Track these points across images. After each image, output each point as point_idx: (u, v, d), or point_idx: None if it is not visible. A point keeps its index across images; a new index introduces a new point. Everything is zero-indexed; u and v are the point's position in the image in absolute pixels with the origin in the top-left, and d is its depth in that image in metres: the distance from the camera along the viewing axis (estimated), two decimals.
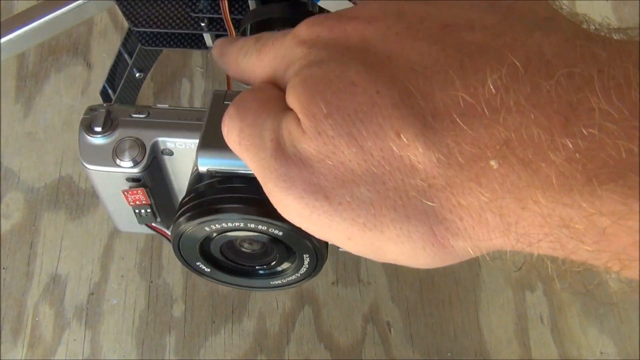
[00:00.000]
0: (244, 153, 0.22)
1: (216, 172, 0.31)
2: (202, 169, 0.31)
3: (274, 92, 0.23)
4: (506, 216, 0.16)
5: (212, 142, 0.31)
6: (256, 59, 0.23)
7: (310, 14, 0.41)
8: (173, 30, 0.44)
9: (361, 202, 0.18)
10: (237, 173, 0.31)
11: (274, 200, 0.21)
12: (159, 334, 0.53)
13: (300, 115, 0.19)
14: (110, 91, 0.60)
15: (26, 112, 0.65)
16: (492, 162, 0.16)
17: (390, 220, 0.18)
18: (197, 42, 0.47)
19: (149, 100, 0.66)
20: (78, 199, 0.61)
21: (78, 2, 0.46)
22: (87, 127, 0.34)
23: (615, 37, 0.17)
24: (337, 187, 0.18)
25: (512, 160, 0.15)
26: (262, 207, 0.29)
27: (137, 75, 0.55)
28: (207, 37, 0.46)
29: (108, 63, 0.64)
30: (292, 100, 0.20)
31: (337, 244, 0.20)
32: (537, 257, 0.17)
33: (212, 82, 0.67)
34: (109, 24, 0.70)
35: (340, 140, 0.18)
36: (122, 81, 0.56)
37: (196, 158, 0.31)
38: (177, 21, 0.44)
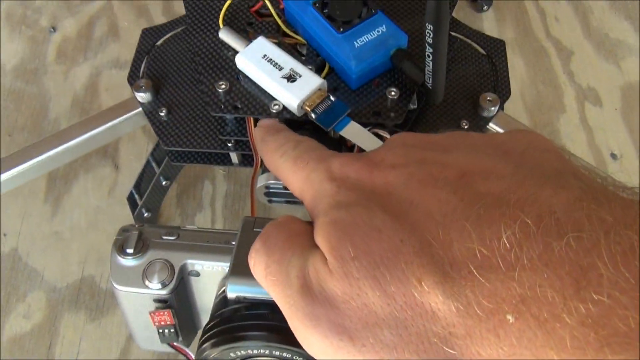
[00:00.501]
0: (270, 287, 0.23)
1: (245, 298, 0.32)
2: (232, 295, 0.32)
3: (299, 226, 0.24)
4: None
5: (242, 269, 0.32)
6: (290, 169, 0.25)
7: (332, 141, 0.43)
8: (201, 150, 0.47)
9: (384, 346, 0.19)
10: (264, 300, 0.32)
11: (299, 336, 0.22)
12: None
13: (328, 256, 0.20)
14: (137, 196, 0.62)
15: (54, 211, 0.68)
16: (509, 317, 0.16)
17: None
18: (224, 160, 0.49)
19: (171, 201, 0.68)
20: (98, 299, 0.62)
21: (113, 121, 0.49)
22: (120, 248, 0.36)
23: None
24: (361, 329, 0.19)
25: (528, 317, 0.16)
26: (287, 335, 0.30)
27: (164, 183, 0.57)
28: (233, 156, 0.49)
29: (135, 165, 0.67)
30: (320, 239, 0.21)
31: None
32: None
33: (234, 185, 0.69)
34: (137, 129, 0.73)
35: (366, 283, 0.19)
36: (149, 188, 0.58)
37: (226, 285, 0.32)
38: (206, 142, 0.46)
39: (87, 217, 0.67)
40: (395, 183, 0.20)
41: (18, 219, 0.67)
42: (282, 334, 0.31)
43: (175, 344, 0.40)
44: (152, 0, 0.86)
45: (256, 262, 0.23)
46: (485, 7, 0.83)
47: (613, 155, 0.70)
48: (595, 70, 0.78)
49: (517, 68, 0.78)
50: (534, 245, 0.16)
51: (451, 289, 0.17)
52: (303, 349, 0.30)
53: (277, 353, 0.31)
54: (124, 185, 0.68)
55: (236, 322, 0.31)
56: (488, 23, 0.83)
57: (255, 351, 0.31)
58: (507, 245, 0.17)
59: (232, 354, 0.32)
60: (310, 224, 0.24)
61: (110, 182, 0.70)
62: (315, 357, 0.21)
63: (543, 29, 0.82)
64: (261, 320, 0.31)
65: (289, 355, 0.32)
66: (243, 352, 0.31)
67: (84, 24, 0.84)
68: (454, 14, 0.83)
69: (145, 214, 0.61)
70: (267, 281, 0.23)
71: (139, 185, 0.62)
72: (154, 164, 0.59)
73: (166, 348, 0.40)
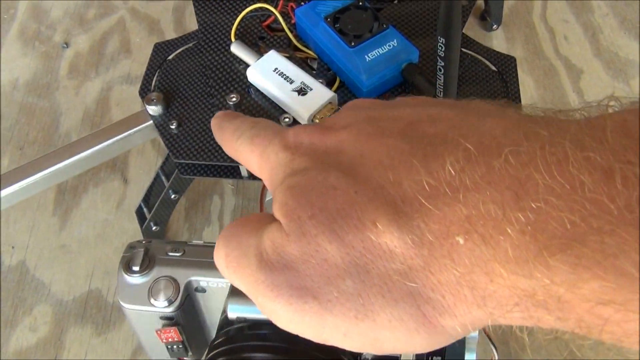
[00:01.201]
0: (232, 276, 0.22)
1: (245, 319, 0.32)
2: (232, 315, 0.32)
3: (256, 215, 0.24)
4: (479, 289, 0.17)
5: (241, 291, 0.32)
6: (247, 148, 0.24)
7: None
8: (211, 163, 0.47)
9: (349, 295, 0.19)
10: (265, 320, 0.31)
11: (265, 312, 0.21)
12: None
13: (284, 221, 0.20)
14: (145, 210, 0.62)
15: (62, 224, 0.68)
16: (459, 238, 0.17)
17: (380, 307, 0.18)
18: (233, 173, 0.49)
19: (180, 215, 0.68)
20: (105, 313, 0.61)
21: (124, 134, 0.49)
22: (126, 266, 0.35)
23: (561, 117, 0.19)
24: (324, 285, 0.19)
25: (475, 235, 0.17)
26: (292, 356, 0.30)
27: (173, 196, 0.57)
28: (242, 169, 0.49)
29: (144, 179, 0.67)
30: (277, 207, 0.21)
31: (336, 344, 0.20)
32: (513, 328, 0.18)
33: (242, 200, 0.69)
34: (147, 143, 0.74)
35: (324, 237, 0.19)
36: (158, 202, 0.58)
37: (226, 304, 0.32)
38: (216, 155, 0.46)
39: (95, 230, 0.67)
40: (346, 140, 0.21)
41: (26, 231, 0.67)
42: (289, 355, 0.30)
43: (185, 359, 0.40)
44: (164, 16, 0.87)
45: (217, 256, 0.23)
46: (495, 26, 0.83)
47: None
48: (604, 88, 0.77)
49: (526, 86, 0.78)
50: (475, 167, 0.17)
51: (405, 224, 0.18)
52: None
53: None
54: (132, 199, 0.68)
55: (239, 342, 0.31)
56: (497, 42, 0.83)
57: None
58: (452, 171, 0.17)
59: None
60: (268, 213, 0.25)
61: (119, 195, 0.70)
62: (288, 329, 0.21)
63: (552, 48, 0.82)
64: (263, 341, 0.31)
65: None
66: None
67: (96, 40, 0.85)
68: (464, 32, 0.83)
69: (154, 228, 0.61)
70: (228, 270, 0.23)
71: (147, 199, 0.62)
72: (163, 178, 0.59)
73: None
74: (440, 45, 0.34)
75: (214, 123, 0.28)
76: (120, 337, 0.60)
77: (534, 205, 0.16)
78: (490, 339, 0.35)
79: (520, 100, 0.49)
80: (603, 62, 0.80)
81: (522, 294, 0.16)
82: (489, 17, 0.83)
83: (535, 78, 0.79)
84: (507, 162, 0.16)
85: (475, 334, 0.33)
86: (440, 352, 0.32)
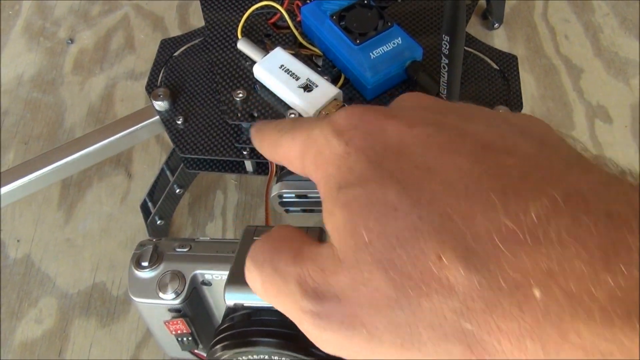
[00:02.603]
0: (272, 301, 0.22)
1: (243, 306, 0.33)
2: (230, 302, 0.33)
3: (285, 232, 0.23)
4: (547, 345, 0.16)
5: (239, 277, 0.33)
6: (290, 137, 0.23)
7: None
8: (217, 158, 0.47)
9: (398, 325, 0.18)
10: (264, 307, 0.32)
11: (312, 337, 0.21)
12: None
13: (339, 245, 0.19)
14: (150, 204, 0.63)
15: (67, 219, 0.68)
16: (535, 291, 0.16)
17: (428, 339, 0.17)
18: (238, 168, 0.50)
19: (183, 210, 0.69)
20: (109, 306, 0.62)
21: (130, 129, 0.50)
22: (137, 262, 0.37)
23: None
24: (374, 314, 0.18)
25: (556, 290, 0.16)
26: (298, 342, 0.31)
27: (177, 191, 0.58)
28: (248, 164, 0.49)
29: (147, 174, 0.68)
30: (333, 227, 0.19)
31: None
32: None
33: (245, 195, 0.70)
34: (151, 138, 0.74)
35: (379, 266, 0.18)
36: (163, 196, 0.59)
37: (224, 292, 0.33)
38: (222, 149, 0.47)
39: (99, 224, 0.68)
40: (411, 143, 0.19)
41: (32, 225, 0.68)
42: (292, 341, 0.31)
43: (196, 351, 0.41)
44: (168, 13, 0.88)
45: (250, 281, 0.23)
46: (496, 24, 0.84)
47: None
48: (605, 88, 0.78)
49: (527, 85, 0.79)
50: (562, 219, 0.16)
51: (474, 264, 0.17)
52: (306, 355, 0.30)
53: (276, 358, 0.31)
54: (136, 194, 0.69)
55: (247, 327, 0.32)
56: (499, 40, 0.83)
57: (265, 357, 0.32)
58: (535, 219, 0.16)
59: (242, 358, 0.32)
60: (299, 229, 0.23)
61: (123, 190, 0.71)
62: (333, 353, 0.21)
63: (553, 47, 0.83)
64: (272, 326, 0.32)
65: None
66: (254, 357, 0.32)
67: (101, 36, 0.86)
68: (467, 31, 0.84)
69: (158, 222, 0.62)
70: (267, 296, 0.22)
71: (152, 194, 0.63)
72: (168, 172, 0.60)
73: (193, 357, 0.41)
74: (444, 43, 0.35)
75: (254, 129, 0.27)
76: (125, 329, 0.60)
77: (625, 271, 0.15)
78: None
79: (521, 98, 0.50)
80: (603, 62, 0.81)
81: (597, 353, 0.15)
82: (491, 16, 0.83)
83: (536, 77, 0.80)
84: (597, 220, 0.16)
85: None
86: None
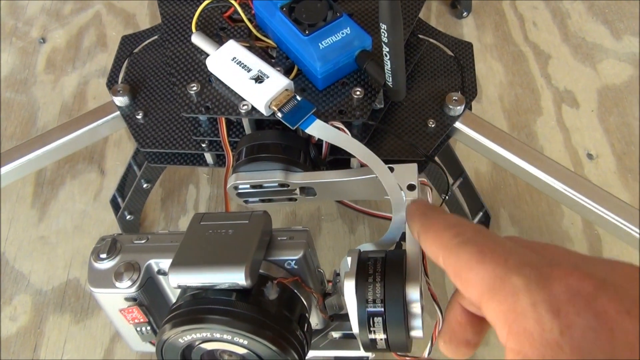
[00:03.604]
0: None
1: (187, 287, 0.34)
2: (174, 284, 0.34)
3: None
4: None
5: (182, 260, 0.34)
6: (475, 260, 0.20)
7: (300, 139, 0.44)
8: (176, 151, 0.48)
9: None
10: (207, 287, 0.33)
11: None
12: None
13: None
14: (119, 200, 0.64)
15: (40, 216, 0.69)
16: None
17: None
18: (199, 161, 0.51)
19: (156, 205, 0.70)
20: (83, 302, 0.63)
21: (92, 124, 0.51)
22: (96, 255, 0.38)
23: None
24: None
25: None
26: (234, 318, 0.32)
27: (145, 185, 0.58)
28: (208, 156, 0.50)
29: (120, 170, 0.68)
30: None
31: None
32: None
33: (218, 188, 0.71)
34: (123, 135, 0.75)
35: None
36: (131, 191, 0.60)
37: (168, 275, 0.34)
38: (181, 143, 0.48)
39: (73, 221, 0.69)
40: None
41: (5, 224, 0.69)
42: (237, 318, 0.32)
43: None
44: (140, 10, 0.88)
45: None
46: (465, 13, 0.85)
47: (589, 156, 0.71)
48: (572, 73, 0.79)
49: (495, 72, 0.79)
50: None
51: None
52: (242, 330, 0.31)
53: (218, 335, 0.33)
54: (109, 190, 0.70)
55: (193, 306, 0.33)
56: (468, 29, 0.84)
57: (208, 334, 0.33)
58: None
59: (189, 336, 0.33)
60: None
61: (96, 187, 0.71)
62: None
63: (522, 34, 0.83)
64: (217, 304, 0.33)
65: (245, 342, 0.33)
66: (200, 335, 0.33)
67: (73, 35, 0.86)
68: (431, 21, 0.85)
69: (128, 217, 0.63)
70: None
71: (121, 189, 0.63)
72: (135, 167, 0.60)
73: (154, 348, 0.42)
74: (383, 32, 0.35)
75: (414, 208, 0.25)
76: (99, 324, 0.61)
77: None
78: (435, 301, 0.37)
79: (475, 85, 0.50)
80: (571, 47, 0.82)
81: None
82: (459, 4, 0.84)
83: (505, 64, 0.80)
84: None
85: (417, 297, 0.34)
86: (381, 312, 0.34)
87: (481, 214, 0.60)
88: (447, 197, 0.55)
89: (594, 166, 0.70)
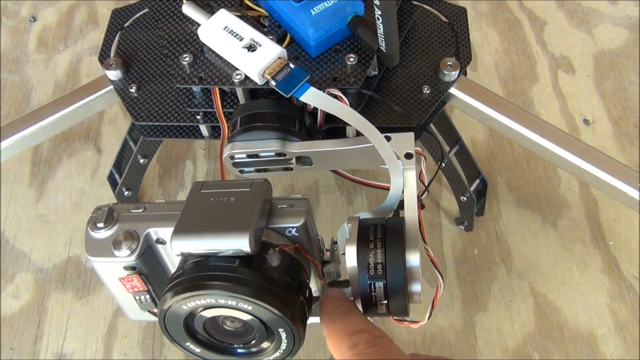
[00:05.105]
0: None
1: (189, 254, 0.34)
2: (176, 251, 0.34)
3: None
4: None
5: (184, 227, 0.34)
6: None
7: (296, 108, 0.44)
8: (171, 123, 0.48)
9: None
10: (209, 254, 0.33)
11: None
12: None
13: None
14: (117, 176, 0.64)
15: (39, 195, 0.69)
16: None
17: None
18: (194, 133, 0.50)
19: (154, 181, 0.70)
20: (85, 278, 0.63)
21: (86, 99, 0.50)
22: (93, 224, 0.38)
23: None
24: None
25: None
26: (236, 284, 0.32)
27: (142, 161, 0.58)
28: (203, 128, 0.50)
29: (117, 148, 0.68)
30: None
31: None
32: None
33: (214, 163, 0.71)
34: (118, 112, 0.75)
35: None
36: (128, 167, 0.59)
37: (170, 242, 0.34)
38: (175, 115, 0.48)
39: (71, 199, 0.69)
40: None
41: (4, 204, 0.69)
42: (239, 284, 0.32)
43: (155, 310, 0.42)
44: None
45: None
46: None
47: (586, 121, 0.71)
48: (568, 39, 0.79)
49: (491, 40, 0.79)
50: None
51: None
52: (247, 296, 0.32)
53: (222, 301, 0.33)
54: (106, 168, 0.70)
55: (194, 274, 0.33)
56: None
57: (212, 300, 0.33)
58: None
59: (190, 303, 0.33)
60: None
61: (93, 165, 0.71)
62: None
63: (516, 1, 0.83)
64: (219, 271, 0.33)
65: (249, 307, 0.33)
66: (202, 302, 0.33)
67: (63, 13, 0.85)
68: None
69: (126, 193, 0.63)
70: None
71: (118, 165, 0.63)
72: (131, 143, 0.60)
73: (152, 317, 0.42)
74: None
75: (324, 306, 0.27)
76: (101, 299, 0.62)
77: None
78: (435, 267, 0.37)
79: (470, 50, 0.50)
80: (566, 13, 0.81)
81: None
82: None
83: (500, 31, 0.80)
84: None
85: (417, 263, 0.35)
86: (382, 277, 0.34)
87: (478, 180, 0.60)
88: (442, 165, 0.55)
89: (590, 131, 0.70)
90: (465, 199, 0.58)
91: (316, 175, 0.68)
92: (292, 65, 0.41)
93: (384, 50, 0.41)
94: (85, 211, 0.68)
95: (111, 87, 0.50)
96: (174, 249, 0.34)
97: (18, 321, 0.61)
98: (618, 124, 0.70)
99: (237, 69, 0.43)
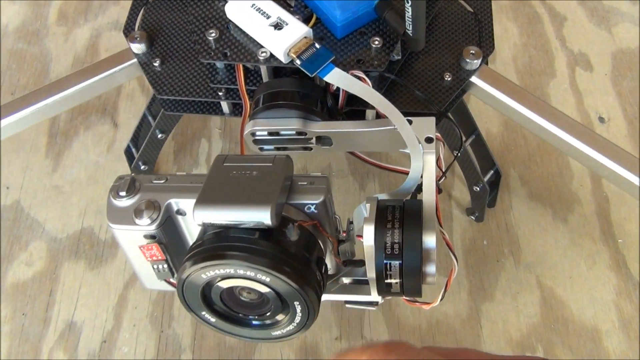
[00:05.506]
0: None
1: (211, 224, 0.35)
2: (198, 221, 0.35)
3: None
4: None
5: (208, 198, 0.35)
6: None
7: (318, 88, 0.45)
8: (193, 99, 0.48)
9: None
10: (231, 225, 0.34)
11: None
12: None
13: None
14: (134, 150, 0.64)
15: (55, 166, 0.70)
16: None
17: None
18: (215, 109, 0.51)
19: (169, 158, 0.70)
20: (97, 249, 0.64)
21: (108, 71, 0.51)
22: (115, 192, 0.38)
23: None
24: None
25: None
26: (256, 255, 0.33)
27: (159, 136, 0.59)
28: (224, 105, 0.50)
29: (133, 123, 0.69)
30: None
31: None
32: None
33: (229, 143, 0.71)
34: (136, 88, 0.75)
35: None
36: (145, 141, 0.60)
37: (193, 212, 0.34)
38: (198, 90, 0.48)
39: (86, 172, 0.69)
40: None
41: (20, 173, 0.70)
42: (259, 255, 0.33)
43: (171, 280, 0.42)
44: None
45: None
46: None
47: (601, 119, 0.71)
48: (587, 36, 0.78)
49: (510, 34, 0.79)
50: None
51: None
52: (265, 267, 0.32)
53: (241, 272, 0.33)
54: (122, 142, 0.70)
55: (214, 244, 0.33)
56: None
57: (231, 270, 0.34)
58: None
59: (209, 272, 0.34)
60: None
61: (109, 139, 0.72)
62: None
63: None
64: (239, 242, 0.33)
65: (267, 279, 0.34)
66: (221, 271, 0.34)
67: None
68: None
69: (142, 167, 0.63)
70: None
71: (136, 139, 0.64)
72: (150, 118, 0.61)
73: (167, 287, 0.43)
74: None
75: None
76: (113, 271, 0.63)
77: None
78: (451, 250, 0.38)
79: (493, 40, 0.50)
80: (587, 10, 0.81)
81: None
82: None
83: (520, 25, 0.80)
84: None
85: (433, 245, 0.35)
86: (399, 257, 0.35)
87: (492, 172, 0.60)
88: (459, 155, 0.56)
89: (605, 129, 0.70)
90: (478, 189, 0.58)
91: (330, 159, 0.69)
92: (317, 45, 0.42)
93: (410, 34, 0.41)
94: (100, 184, 0.68)
95: (135, 60, 0.50)
96: (196, 219, 0.35)
97: (30, 288, 0.62)
98: (633, 123, 0.71)
99: (262, 47, 0.44)
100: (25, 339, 0.58)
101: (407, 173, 0.41)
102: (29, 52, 0.80)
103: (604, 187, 0.66)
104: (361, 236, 0.36)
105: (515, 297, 0.59)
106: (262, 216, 0.33)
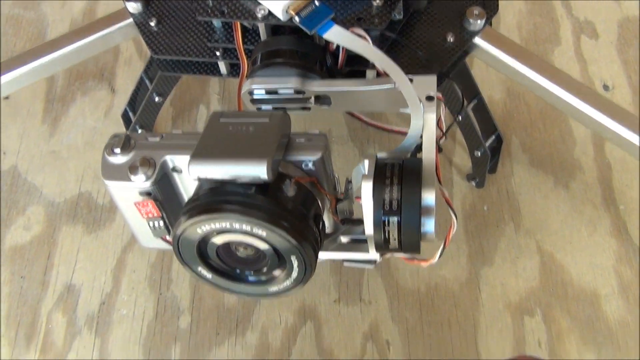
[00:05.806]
0: None
1: (207, 179, 0.34)
2: (194, 176, 0.34)
3: None
4: None
5: (203, 152, 0.34)
6: None
7: (318, 47, 0.44)
8: (190, 58, 0.48)
9: None
10: (227, 180, 0.34)
11: None
12: (165, 344, 0.55)
13: None
14: (131, 114, 0.64)
15: (52, 132, 0.69)
16: None
17: None
18: (213, 70, 0.50)
19: (167, 124, 0.70)
20: (95, 214, 0.64)
21: (104, 31, 0.50)
22: (110, 149, 0.38)
23: None
24: None
25: None
26: (251, 208, 0.32)
27: (157, 99, 0.58)
28: (222, 65, 0.50)
29: (131, 89, 0.68)
30: None
31: None
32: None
33: (228, 108, 0.70)
34: (134, 53, 0.74)
35: None
36: (142, 104, 0.59)
37: (188, 166, 0.34)
38: (195, 50, 0.47)
39: (83, 137, 0.69)
40: None
41: (17, 138, 0.69)
42: (254, 209, 0.33)
43: (167, 237, 0.42)
44: None
45: None
46: None
47: (605, 87, 0.70)
48: (593, 4, 0.77)
49: (515, 0, 0.77)
50: None
51: None
52: (261, 220, 0.32)
53: (237, 226, 0.33)
54: (119, 108, 0.69)
55: (210, 198, 0.33)
56: None
57: (227, 224, 0.33)
58: None
59: (205, 226, 0.34)
60: None
61: (107, 104, 0.71)
62: None
63: None
64: (234, 196, 0.33)
65: (263, 233, 0.34)
66: (217, 225, 0.33)
67: None
68: None
69: (139, 131, 0.63)
70: None
71: (133, 103, 0.63)
72: (147, 81, 0.60)
73: (163, 245, 0.42)
74: None
75: None
76: (111, 235, 0.62)
77: None
78: (450, 206, 0.37)
79: (497, 1, 0.49)
80: None
81: None
82: None
83: None
84: None
85: (432, 202, 0.35)
86: (397, 213, 0.34)
87: (494, 137, 0.60)
88: (459, 118, 0.55)
89: (609, 97, 0.69)
90: (479, 154, 0.58)
91: (330, 125, 0.68)
92: (317, 2, 0.41)
93: None
94: (98, 149, 0.68)
95: (130, 20, 0.50)
96: (191, 173, 0.34)
97: (29, 252, 0.62)
98: (638, 91, 0.70)
99: (260, 4, 0.43)
100: (24, 301, 0.58)
101: (406, 134, 0.41)
102: (25, 18, 0.79)
103: (606, 153, 0.65)
104: (360, 197, 0.36)
105: (515, 262, 0.59)
106: (258, 170, 0.33)
